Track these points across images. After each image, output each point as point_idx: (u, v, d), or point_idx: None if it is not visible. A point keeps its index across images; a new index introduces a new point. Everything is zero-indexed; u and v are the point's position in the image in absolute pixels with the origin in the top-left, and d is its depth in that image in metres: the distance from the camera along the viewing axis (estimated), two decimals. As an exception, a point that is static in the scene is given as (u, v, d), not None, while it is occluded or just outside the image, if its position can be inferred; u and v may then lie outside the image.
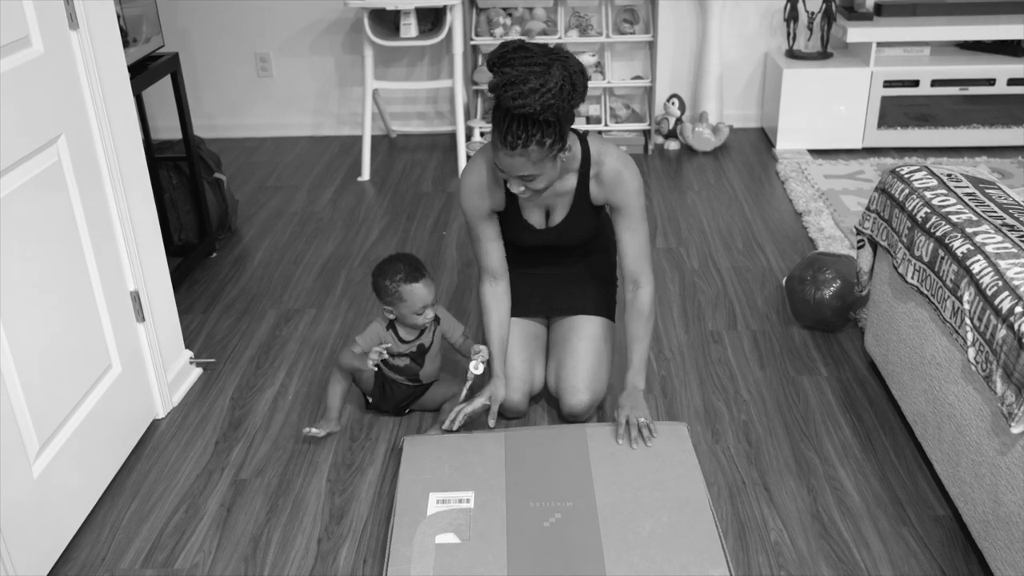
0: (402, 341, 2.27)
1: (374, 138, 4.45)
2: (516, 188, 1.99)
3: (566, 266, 2.36)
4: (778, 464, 2.16)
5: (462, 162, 4.08)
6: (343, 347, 2.43)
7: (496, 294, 2.26)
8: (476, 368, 2.23)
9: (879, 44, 4.07)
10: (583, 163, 2.13)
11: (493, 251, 2.24)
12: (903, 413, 2.26)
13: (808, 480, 2.11)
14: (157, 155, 3.22)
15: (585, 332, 2.29)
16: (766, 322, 2.78)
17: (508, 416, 2.33)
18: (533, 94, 1.79)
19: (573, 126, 2.06)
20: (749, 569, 1.86)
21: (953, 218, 2.01)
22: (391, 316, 2.26)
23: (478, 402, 2.19)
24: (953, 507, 2.00)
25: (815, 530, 1.96)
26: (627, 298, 2.23)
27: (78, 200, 2.05)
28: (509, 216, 2.22)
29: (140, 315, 2.31)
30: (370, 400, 2.37)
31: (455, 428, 2.17)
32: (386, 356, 2.25)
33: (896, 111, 4.09)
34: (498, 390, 2.22)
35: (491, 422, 2.18)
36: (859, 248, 2.46)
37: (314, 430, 2.26)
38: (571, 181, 2.16)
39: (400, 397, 2.34)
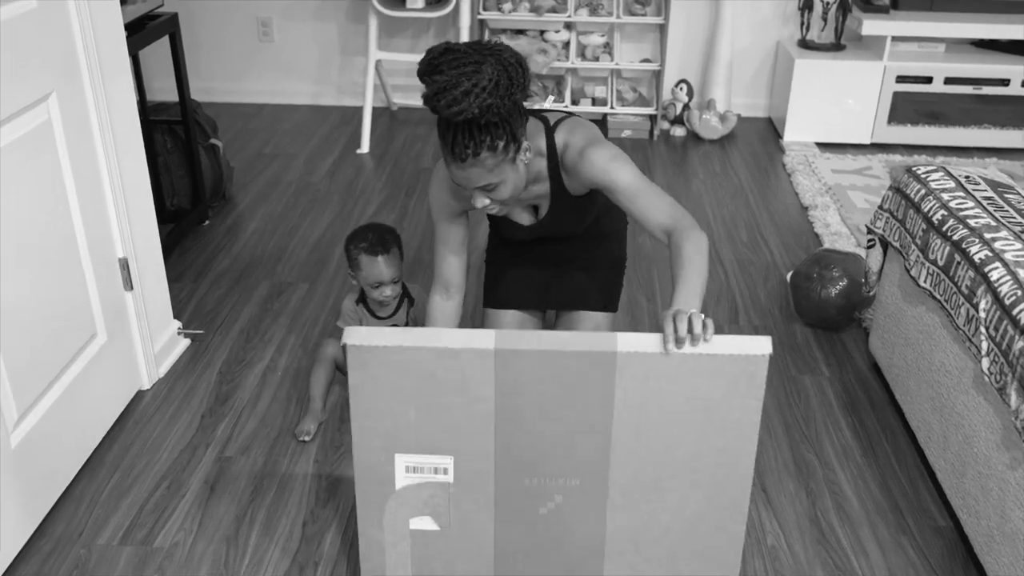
0: (375, 317, 2.24)
1: (375, 110, 4.36)
2: (480, 202, 1.79)
3: (567, 255, 2.23)
4: (777, 465, 2.11)
5: (464, 139, 3.99)
6: (323, 342, 2.36)
7: (444, 311, 2.07)
8: None
9: (894, 38, 4.00)
10: (549, 158, 1.94)
11: (452, 261, 2.05)
12: (906, 418, 2.21)
13: (807, 483, 2.06)
14: (152, 118, 3.13)
15: (587, 327, 2.22)
16: (768, 318, 2.72)
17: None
18: (467, 97, 1.60)
19: (539, 118, 1.92)
20: (745, 574, 1.81)
21: (971, 222, 1.95)
22: (353, 281, 2.27)
23: None
24: (955, 518, 1.96)
25: (813, 535, 1.91)
26: (671, 252, 1.75)
27: (67, 161, 1.97)
28: (496, 215, 2.06)
29: (128, 283, 2.24)
30: None
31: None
32: None
33: (907, 107, 4.02)
34: None
35: None
36: (869, 247, 2.40)
37: (305, 436, 2.16)
38: (545, 181, 1.99)
39: None
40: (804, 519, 1.95)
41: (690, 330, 1.49)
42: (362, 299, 2.25)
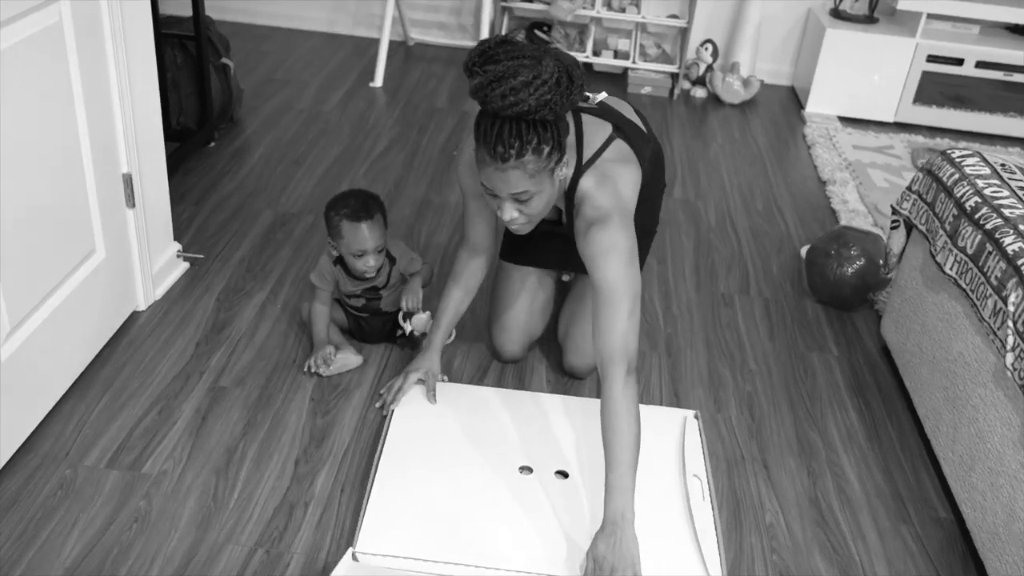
0: (353, 278, 2.13)
1: (391, 43, 4.24)
2: (508, 214, 1.67)
3: None
4: (779, 441, 2.08)
5: (480, 81, 3.89)
6: (304, 305, 2.26)
7: (471, 266, 2.03)
8: (408, 325, 2.11)
9: (929, 15, 3.89)
10: (568, 196, 1.80)
11: (481, 228, 1.99)
12: (914, 406, 2.17)
13: (809, 463, 2.02)
14: (164, 31, 3.02)
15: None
16: (780, 291, 2.67)
17: (503, 360, 2.22)
18: (526, 88, 1.49)
19: (578, 143, 1.77)
20: (741, 549, 1.78)
21: (1006, 211, 1.89)
22: (335, 253, 2.12)
23: (412, 378, 2.00)
24: (956, 511, 1.93)
25: (812, 516, 1.88)
26: (601, 394, 1.68)
27: (76, 68, 1.88)
28: (516, 231, 1.90)
29: (131, 200, 2.16)
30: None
31: (392, 408, 1.97)
32: (326, 357, 2.10)
33: (933, 88, 3.94)
34: (434, 364, 2.03)
35: (431, 399, 2.01)
36: (893, 228, 2.34)
37: (321, 367, 2.09)
38: (558, 207, 1.90)
39: (377, 328, 2.23)
40: (804, 499, 1.92)
41: None
42: (340, 259, 2.13)
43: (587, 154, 1.78)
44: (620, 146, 1.82)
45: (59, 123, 1.84)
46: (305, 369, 2.11)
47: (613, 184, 1.75)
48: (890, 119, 4.02)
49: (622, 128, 1.86)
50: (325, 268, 2.14)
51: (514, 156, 1.57)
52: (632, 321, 1.67)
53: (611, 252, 1.68)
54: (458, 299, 2.05)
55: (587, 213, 1.74)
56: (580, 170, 1.78)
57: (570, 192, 1.80)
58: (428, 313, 2.16)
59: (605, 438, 1.63)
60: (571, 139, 1.77)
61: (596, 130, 1.82)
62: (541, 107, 1.52)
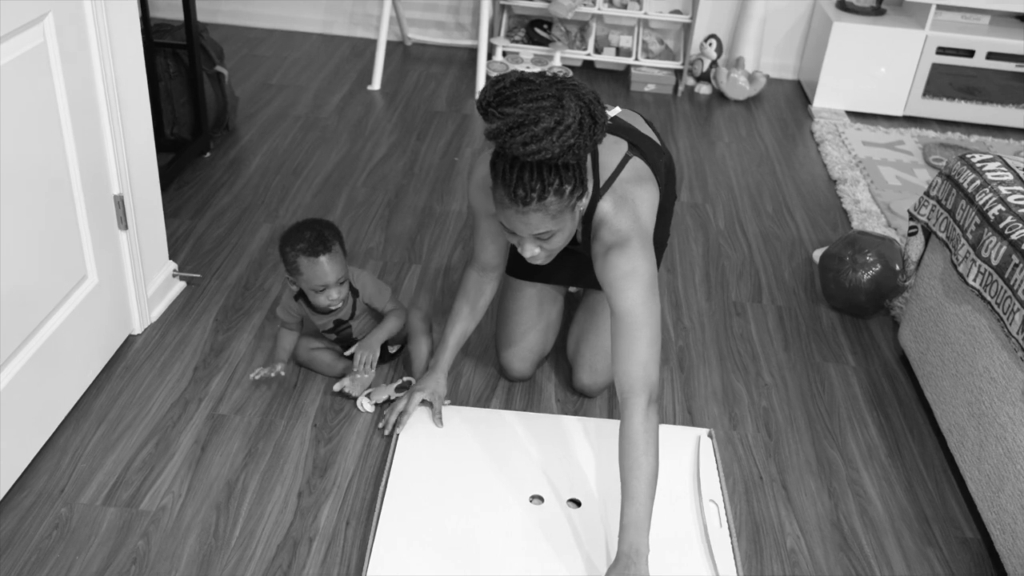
0: (318, 312, 2.03)
1: (388, 44, 4.16)
2: (530, 252, 1.60)
3: None
4: (798, 460, 2.01)
5: (480, 82, 3.81)
6: (279, 332, 2.14)
7: (479, 283, 1.96)
8: (363, 406, 2.02)
9: (938, 6, 3.80)
10: (585, 220, 1.74)
11: (490, 247, 1.91)
12: (935, 419, 2.10)
13: (829, 482, 1.96)
14: (155, 40, 2.95)
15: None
16: (793, 298, 2.60)
17: (511, 379, 2.16)
18: (549, 135, 1.41)
19: (594, 164, 1.71)
20: (762, 577, 1.72)
21: (1032, 221, 1.81)
22: (294, 288, 2.02)
23: (417, 399, 1.93)
24: (983, 530, 1.86)
25: (835, 540, 1.81)
26: (620, 421, 1.63)
27: (63, 89, 1.81)
28: (536, 263, 1.82)
29: (123, 222, 2.09)
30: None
31: (397, 432, 1.91)
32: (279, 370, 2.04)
33: (943, 81, 3.85)
34: (439, 387, 1.96)
35: (437, 423, 1.94)
36: (911, 235, 2.27)
37: (258, 373, 2.03)
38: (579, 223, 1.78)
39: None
40: (826, 522, 1.86)
41: None
42: (301, 294, 2.04)
43: (604, 176, 1.71)
44: (637, 164, 1.75)
45: (46, 148, 1.77)
46: (337, 390, 2.02)
47: (632, 207, 1.68)
48: (899, 113, 3.94)
49: (637, 145, 1.79)
50: (289, 305, 2.05)
51: (536, 200, 1.49)
52: (653, 349, 1.61)
53: (631, 277, 1.62)
54: (466, 320, 1.98)
55: (605, 237, 1.67)
56: (598, 194, 1.71)
57: (587, 215, 1.73)
58: (394, 385, 2.06)
59: (623, 470, 1.58)
60: (587, 162, 1.70)
61: (612, 150, 1.75)
62: (565, 152, 1.44)
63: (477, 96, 1.48)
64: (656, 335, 1.63)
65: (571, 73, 3.64)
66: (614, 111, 1.88)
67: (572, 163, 1.49)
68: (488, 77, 3.77)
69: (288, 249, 1.93)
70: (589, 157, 1.71)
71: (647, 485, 1.55)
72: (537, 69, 3.88)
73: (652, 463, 1.56)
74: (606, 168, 1.72)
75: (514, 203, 1.50)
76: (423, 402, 1.97)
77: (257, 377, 2.03)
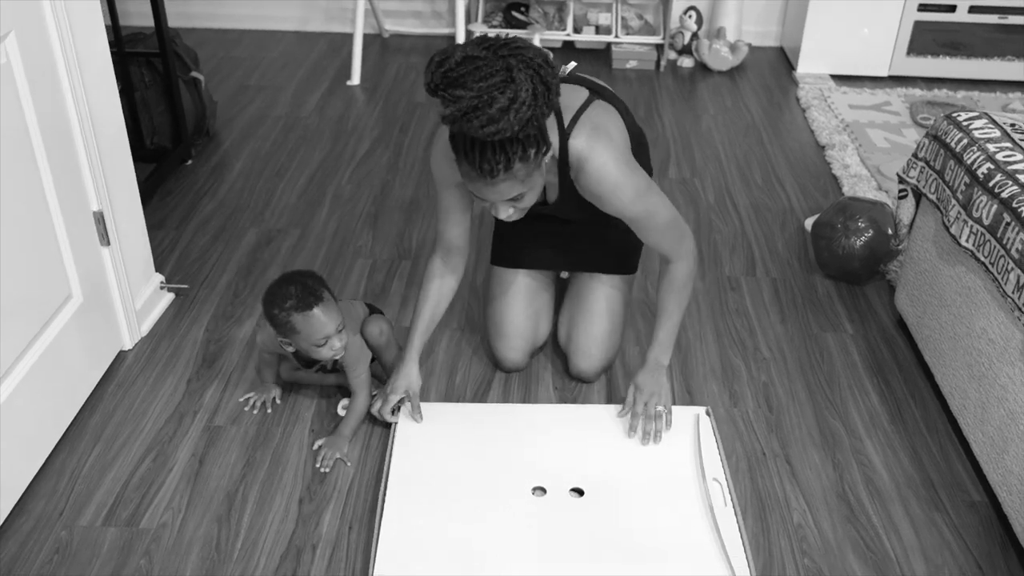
0: (299, 361, 1.96)
1: (365, 37, 4.11)
2: (504, 214, 1.63)
3: (582, 223, 2.01)
4: (801, 434, 2.00)
5: (460, 70, 3.77)
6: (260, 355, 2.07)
7: (443, 268, 1.93)
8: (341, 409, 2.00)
9: (917, -38, 3.76)
10: (561, 167, 1.74)
11: (455, 226, 1.87)
12: (936, 382, 2.09)
13: (833, 454, 1.94)
14: (128, 50, 2.91)
15: (602, 292, 2.07)
16: (787, 269, 2.58)
17: (506, 370, 2.14)
18: (505, 115, 1.39)
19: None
20: (770, 554, 1.70)
21: (1022, 177, 1.79)
22: (290, 349, 1.88)
23: (393, 399, 1.90)
24: (990, 492, 1.85)
25: (841, 513, 1.80)
26: (660, 268, 1.90)
27: (31, 108, 1.78)
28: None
29: (105, 238, 2.07)
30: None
31: (394, 421, 1.90)
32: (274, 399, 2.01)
33: (927, 37, 3.81)
34: (412, 380, 1.92)
35: (416, 417, 1.91)
36: (901, 198, 2.24)
37: (254, 400, 2.00)
38: (553, 175, 1.79)
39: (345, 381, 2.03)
40: (831, 494, 1.84)
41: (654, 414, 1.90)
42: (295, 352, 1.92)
43: (568, 117, 1.71)
44: (600, 104, 1.77)
45: (18, 169, 1.74)
46: (375, 411, 1.95)
47: (605, 132, 1.71)
48: (884, 73, 3.90)
49: (598, 92, 1.80)
50: (269, 340, 1.93)
51: (502, 170, 1.49)
52: (675, 231, 1.80)
53: (625, 185, 1.70)
54: (433, 306, 1.94)
55: (589, 169, 1.70)
56: (566, 134, 1.70)
57: (562, 159, 1.72)
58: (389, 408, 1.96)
59: (662, 294, 1.88)
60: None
61: (573, 96, 1.74)
62: (524, 126, 1.43)
63: (424, 78, 1.45)
64: (671, 219, 1.78)
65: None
66: (569, 67, 1.89)
67: (533, 131, 1.49)
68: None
69: (276, 311, 1.79)
70: None
71: (679, 311, 1.89)
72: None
73: (688, 292, 1.88)
74: (569, 110, 1.72)
75: (481, 176, 1.51)
76: (399, 402, 1.93)
77: (255, 411, 2.00)
